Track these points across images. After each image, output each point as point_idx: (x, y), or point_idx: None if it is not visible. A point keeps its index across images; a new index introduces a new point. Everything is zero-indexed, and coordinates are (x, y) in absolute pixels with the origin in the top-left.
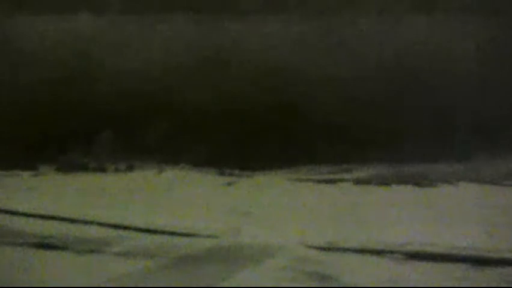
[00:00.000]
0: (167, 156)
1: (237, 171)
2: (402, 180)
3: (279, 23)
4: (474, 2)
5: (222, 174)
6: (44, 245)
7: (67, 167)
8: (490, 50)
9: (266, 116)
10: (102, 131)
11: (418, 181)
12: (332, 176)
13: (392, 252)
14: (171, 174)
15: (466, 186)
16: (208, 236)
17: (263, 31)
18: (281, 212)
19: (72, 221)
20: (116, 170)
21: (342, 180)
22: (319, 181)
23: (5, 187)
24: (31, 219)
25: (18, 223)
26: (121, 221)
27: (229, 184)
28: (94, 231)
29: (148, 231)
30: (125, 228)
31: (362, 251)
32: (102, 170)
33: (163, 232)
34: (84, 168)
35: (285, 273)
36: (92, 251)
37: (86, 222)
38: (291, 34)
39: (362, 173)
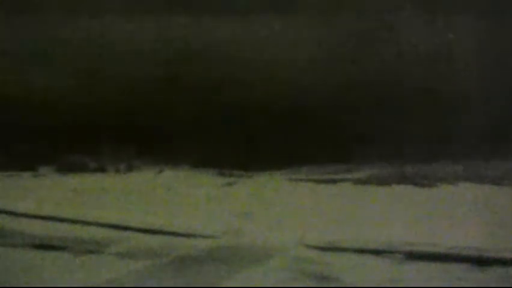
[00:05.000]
0: (168, 157)
1: (236, 172)
2: (402, 180)
3: None
4: None
5: (221, 174)
6: (44, 245)
7: (67, 167)
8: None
9: None
10: None
11: (418, 181)
12: (332, 176)
13: (392, 252)
14: (171, 174)
15: (466, 186)
16: (209, 237)
17: None
18: (281, 212)
19: (72, 221)
20: (116, 171)
21: (342, 180)
22: (319, 181)
23: (5, 187)
24: (31, 220)
25: (18, 223)
26: (121, 221)
27: (229, 184)
28: (94, 232)
29: (148, 231)
30: (125, 228)
31: (362, 251)
32: (102, 170)
33: (163, 232)
34: (84, 168)
35: (285, 273)
36: (91, 252)
37: (86, 223)
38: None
39: (362, 173)
